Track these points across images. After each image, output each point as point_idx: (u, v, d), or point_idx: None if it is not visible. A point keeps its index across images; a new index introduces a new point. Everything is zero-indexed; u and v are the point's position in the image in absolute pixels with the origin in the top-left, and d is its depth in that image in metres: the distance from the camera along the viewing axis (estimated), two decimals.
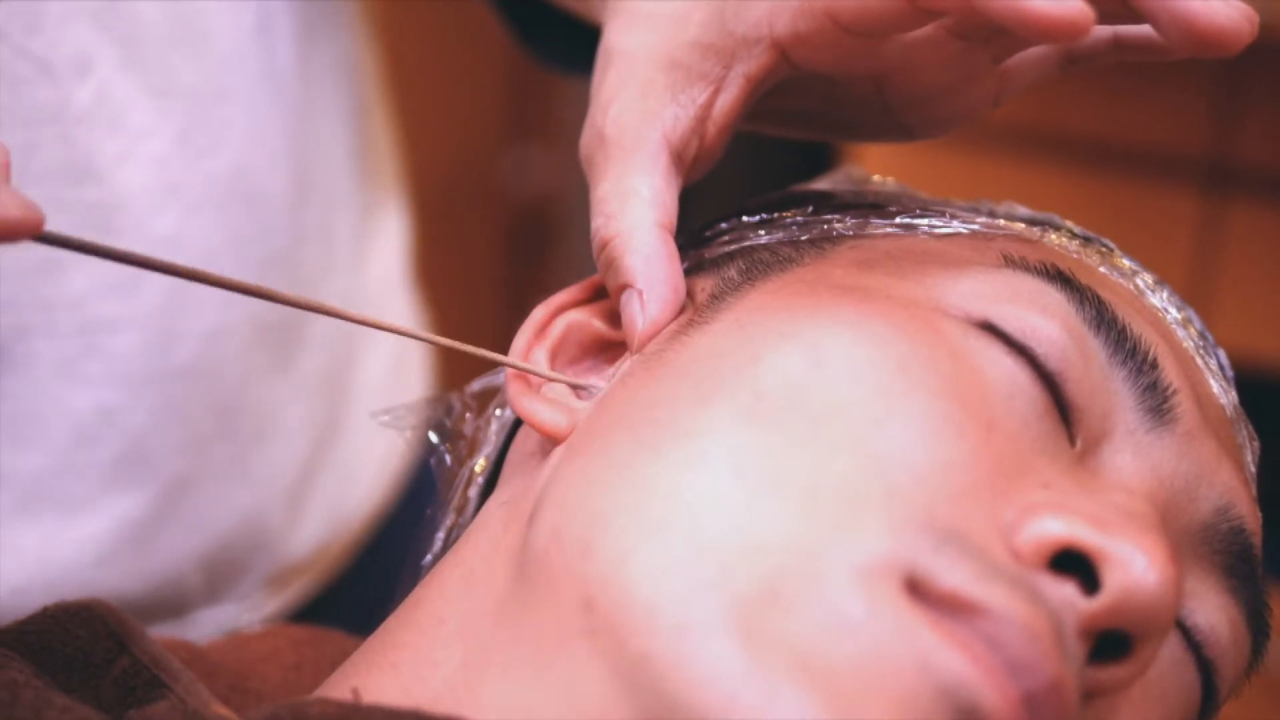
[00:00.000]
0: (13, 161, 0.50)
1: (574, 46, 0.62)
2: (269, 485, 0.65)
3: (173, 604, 0.62)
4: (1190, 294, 0.47)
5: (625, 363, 0.44)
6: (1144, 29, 0.44)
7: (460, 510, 0.49)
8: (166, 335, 0.58)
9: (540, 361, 0.45)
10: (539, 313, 0.46)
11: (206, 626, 0.63)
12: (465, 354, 0.43)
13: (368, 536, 0.73)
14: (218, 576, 0.63)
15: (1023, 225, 0.47)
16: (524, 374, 0.44)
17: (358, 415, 0.71)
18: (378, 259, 0.73)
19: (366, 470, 0.72)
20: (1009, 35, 0.41)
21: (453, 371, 0.84)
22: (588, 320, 0.46)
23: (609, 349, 0.46)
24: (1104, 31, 0.45)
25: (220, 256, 0.59)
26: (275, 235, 0.62)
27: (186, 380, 0.59)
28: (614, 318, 0.46)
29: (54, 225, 0.53)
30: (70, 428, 0.56)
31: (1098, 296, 0.41)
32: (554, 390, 0.44)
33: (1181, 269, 1.40)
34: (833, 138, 0.51)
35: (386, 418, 0.50)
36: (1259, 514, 0.43)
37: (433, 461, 0.49)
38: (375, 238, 0.73)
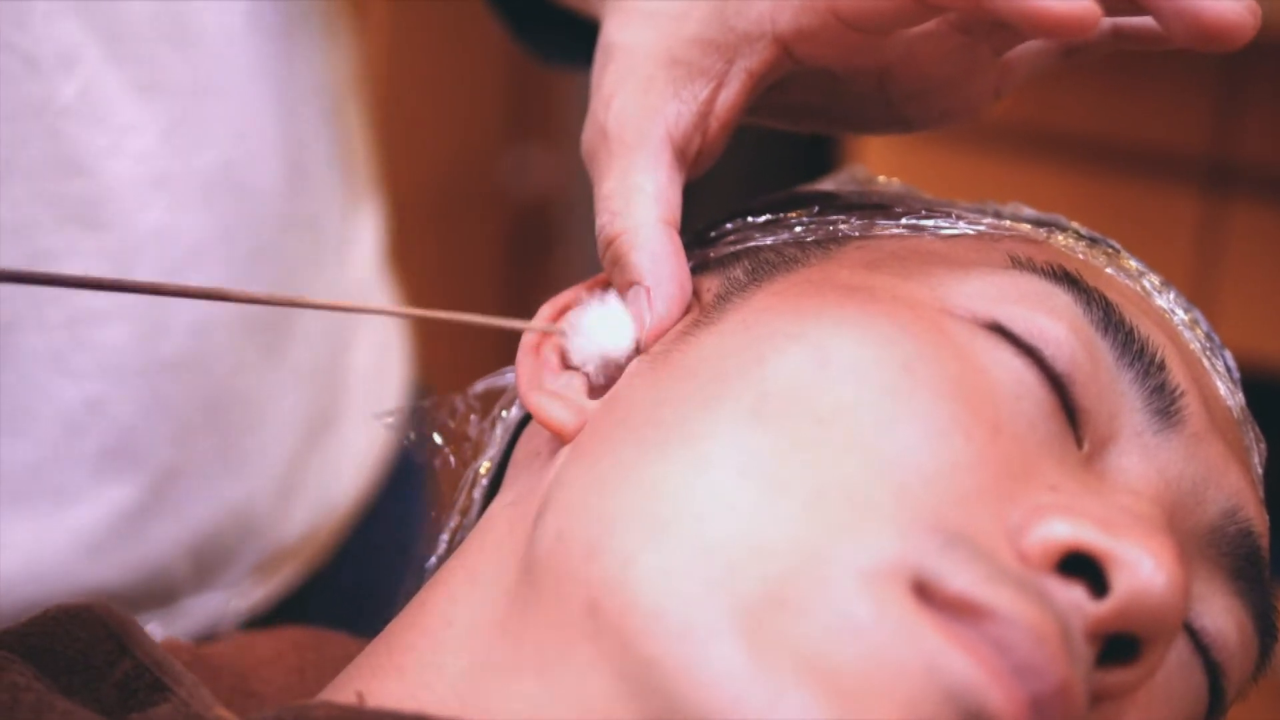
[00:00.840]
0: (1, 155, 0.52)
1: (569, 39, 0.62)
2: (259, 475, 0.65)
3: (162, 593, 0.63)
4: (1192, 294, 0.47)
5: (631, 362, 0.43)
6: (1145, 19, 0.44)
7: (465, 512, 0.48)
8: (155, 328, 0.58)
9: (550, 359, 0.45)
10: (545, 311, 0.46)
11: (195, 614, 0.64)
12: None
13: (353, 521, 0.74)
14: (206, 565, 0.64)
15: (1029, 226, 0.46)
16: (535, 370, 0.44)
17: (349, 404, 0.71)
18: (359, 256, 0.74)
19: (354, 457, 0.73)
20: (1011, 29, 0.41)
21: (431, 357, 0.85)
22: None
23: None
24: (1105, 22, 0.45)
25: (209, 249, 0.60)
26: (264, 227, 0.63)
27: (175, 372, 0.60)
28: None
29: (43, 218, 0.54)
30: (60, 419, 0.57)
31: (1105, 298, 0.41)
32: (564, 387, 0.44)
33: (1183, 269, 1.40)
34: (834, 130, 0.51)
35: (390, 419, 0.50)
36: (1266, 516, 0.43)
37: (436, 463, 0.49)
38: (357, 234, 0.74)
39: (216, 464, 0.63)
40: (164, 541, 0.61)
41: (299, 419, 0.67)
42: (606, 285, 0.46)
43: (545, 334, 0.45)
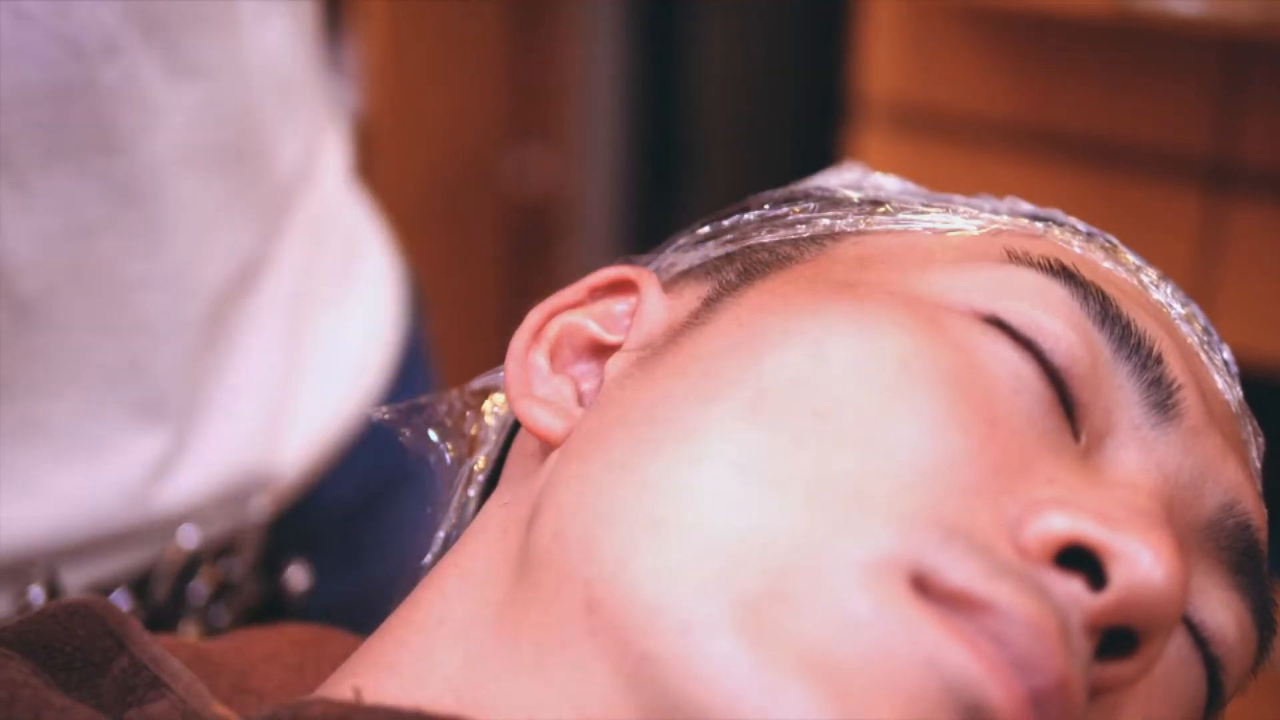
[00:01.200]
0: (44, 135, 0.56)
1: None
2: (260, 403, 0.70)
3: (190, 519, 0.68)
4: (1192, 293, 0.46)
5: (616, 361, 0.43)
6: None
7: (460, 510, 0.48)
8: (186, 291, 0.63)
9: (539, 365, 0.45)
10: (534, 316, 0.46)
11: (219, 522, 0.68)
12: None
13: (349, 438, 0.77)
14: (226, 496, 0.68)
15: (1026, 221, 0.46)
16: (523, 376, 0.44)
17: (318, 317, 0.75)
18: (329, 173, 0.78)
19: (341, 372, 0.76)
20: None
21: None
22: (582, 323, 0.46)
23: (603, 352, 0.46)
24: None
25: (227, 210, 0.65)
26: (266, 181, 0.68)
27: (201, 330, 0.65)
28: (607, 320, 0.46)
29: (86, 193, 0.58)
30: (102, 376, 0.61)
31: (1102, 292, 0.41)
32: (553, 394, 0.44)
33: (1183, 268, 1.39)
34: None
35: (388, 416, 0.50)
36: (1265, 510, 0.43)
37: (432, 460, 0.49)
38: (325, 155, 0.78)
39: (231, 405, 0.68)
40: (193, 483, 0.66)
41: (280, 341, 0.71)
42: (600, 286, 0.46)
43: (534, 340, 0.45)
